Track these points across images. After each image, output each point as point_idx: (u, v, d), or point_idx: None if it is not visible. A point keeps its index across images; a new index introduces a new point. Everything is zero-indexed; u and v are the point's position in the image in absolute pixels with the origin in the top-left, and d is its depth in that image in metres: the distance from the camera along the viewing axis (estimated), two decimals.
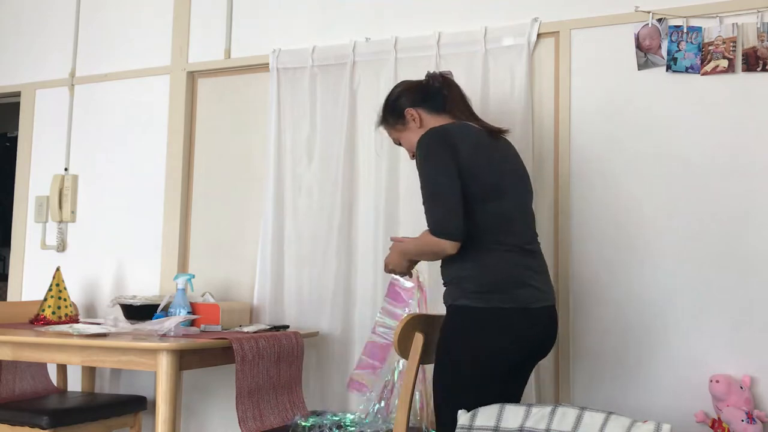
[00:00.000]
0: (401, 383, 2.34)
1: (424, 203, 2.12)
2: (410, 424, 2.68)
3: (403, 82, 2.44)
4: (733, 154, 2.61)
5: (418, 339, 2.20)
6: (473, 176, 2.10)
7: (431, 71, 2.41)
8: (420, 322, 2.22)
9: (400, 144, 2.42)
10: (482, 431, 2.22)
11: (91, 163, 3.69)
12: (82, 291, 3.61)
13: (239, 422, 2.44)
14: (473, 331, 2.09)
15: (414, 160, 2.22)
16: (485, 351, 2.08)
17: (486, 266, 2.10)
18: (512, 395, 2.22)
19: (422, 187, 2.13)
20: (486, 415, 2.25)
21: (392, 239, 2.36)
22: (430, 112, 2.29)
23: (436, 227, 2.08)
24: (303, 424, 2.54)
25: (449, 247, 2.07)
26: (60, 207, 3.67)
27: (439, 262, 2.25)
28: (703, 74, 2.65)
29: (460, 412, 2.32)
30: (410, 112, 2.31)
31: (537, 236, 2.27)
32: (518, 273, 2.11)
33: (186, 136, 3.48)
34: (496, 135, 2.26)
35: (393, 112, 2.36)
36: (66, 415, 2.86)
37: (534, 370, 2.74)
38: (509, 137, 2.34)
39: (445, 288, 2.20)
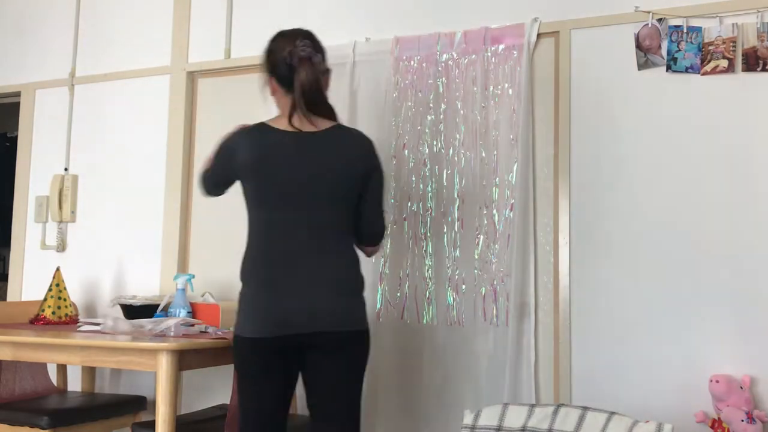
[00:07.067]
0: None
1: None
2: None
3: None
4: (733, 153, 2.61)
5: None
6: None
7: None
8: None
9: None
10: (485, 430, 2.22)
11: (91, 163, 3.69)
12: (82, 291, 3.60)
13: (225, 427, 2.43)
14: None
15: None
16: None
17: None
18: None
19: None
20: (489, 414, 2.25)
21: None
22: None
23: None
24: None
25: None
26: (60, 207, 3.67)
27: None
28: (703, 74, 2.65)
29: (465, 411, 2.33)
30: None
31: None
32: None
33: (186, 136, 3.48)
34: None
35: None
36: (66, 415, 2.86)
37: (533, 368, 2.76)
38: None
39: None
